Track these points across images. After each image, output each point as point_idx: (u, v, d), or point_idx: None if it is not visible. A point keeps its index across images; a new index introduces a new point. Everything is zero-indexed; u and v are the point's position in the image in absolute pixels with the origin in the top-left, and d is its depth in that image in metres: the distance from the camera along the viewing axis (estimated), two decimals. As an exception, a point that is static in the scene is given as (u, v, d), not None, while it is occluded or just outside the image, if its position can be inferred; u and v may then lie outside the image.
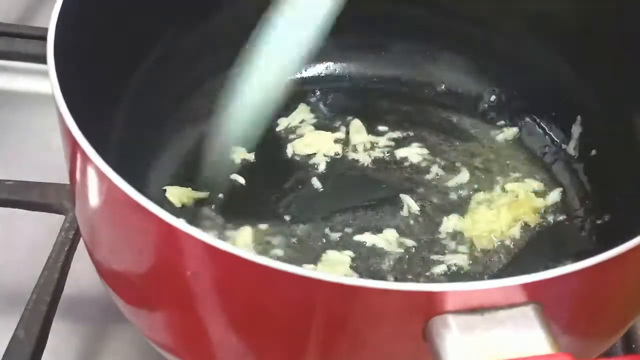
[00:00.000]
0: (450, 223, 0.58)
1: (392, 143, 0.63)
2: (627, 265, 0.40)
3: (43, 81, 0.45)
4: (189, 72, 0.63)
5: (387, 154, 0.63)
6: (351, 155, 0.63)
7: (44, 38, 0.46)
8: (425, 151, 0.63)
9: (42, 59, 0.45)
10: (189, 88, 0.63)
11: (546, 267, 0.37)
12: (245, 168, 0.61)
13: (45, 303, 0.54)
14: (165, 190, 0.58)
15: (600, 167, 0.61)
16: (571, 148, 0.63)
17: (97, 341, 0.57)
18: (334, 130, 0.64)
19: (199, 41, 0.62)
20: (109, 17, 0.53)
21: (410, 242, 0.57)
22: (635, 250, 0.39)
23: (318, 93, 0.66)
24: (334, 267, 0.55)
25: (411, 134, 0.64)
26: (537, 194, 0.61)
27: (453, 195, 0.60)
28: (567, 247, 0.58)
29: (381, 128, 0.64)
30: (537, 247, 0.58)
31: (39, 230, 0.60)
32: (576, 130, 0.63)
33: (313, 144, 0.63)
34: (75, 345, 0.57)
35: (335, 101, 0.66)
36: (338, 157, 0.62)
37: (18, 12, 0.80)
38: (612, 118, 0.60)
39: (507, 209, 0.59)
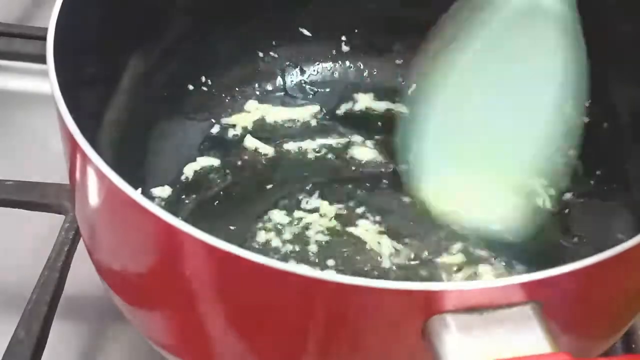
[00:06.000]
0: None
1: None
2: (626, 264, 0.40)
3: (43, 81, 0.45)
4: (190, 73, 0.63)
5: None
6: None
7: (44, 38, 0.46)
8: None
9: (42, 59, 0.45)
10: (189, 89, 0.64)
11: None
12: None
13: (45, 303, 0.54)
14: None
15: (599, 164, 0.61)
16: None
17: (97, 341, 0.57)
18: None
19: (199, 42, 0.62)
20: (108, 17, 0.53)
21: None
22: (635, 250, 0.39)
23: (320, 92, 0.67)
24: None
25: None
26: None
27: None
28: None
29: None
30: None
31: (39, 230, 0.60)
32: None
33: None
34: (75, 345, 0.57)
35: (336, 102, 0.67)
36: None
37: (18, 12, 0.80)
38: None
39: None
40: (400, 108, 0.64)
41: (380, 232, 0.57)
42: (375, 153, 0.62)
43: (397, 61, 0.67)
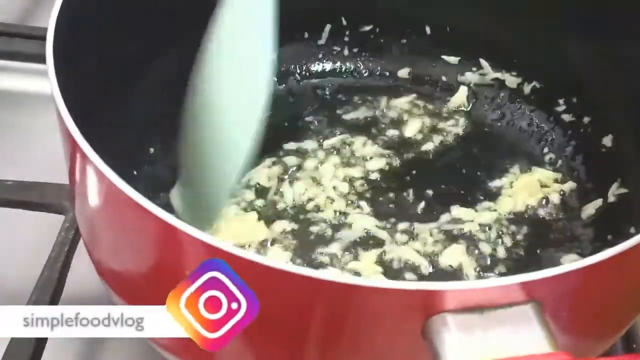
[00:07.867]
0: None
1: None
2: (627, 264, 0.40)
3: (43, 81, 0.45)
4: (190, 73, 0.63)
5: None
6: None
7: (43, 38, 0.46)
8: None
9: (42, 59, 0.45)
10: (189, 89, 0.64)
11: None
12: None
13: (45, 303, 0.54)
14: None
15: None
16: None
17: (97, 341, 0.57)
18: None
19: (200, 42, 0.62)
20: (108, 17, 0.53)
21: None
22: (635, 250, 0.39)
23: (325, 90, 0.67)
24: None
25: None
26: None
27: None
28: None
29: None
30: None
31: (39, 230, 0.60)
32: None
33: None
34: (75, 345, 0.57)
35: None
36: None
37: (18, 12, 0.80)
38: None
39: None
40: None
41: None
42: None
43: (399, 62, 0.68)
